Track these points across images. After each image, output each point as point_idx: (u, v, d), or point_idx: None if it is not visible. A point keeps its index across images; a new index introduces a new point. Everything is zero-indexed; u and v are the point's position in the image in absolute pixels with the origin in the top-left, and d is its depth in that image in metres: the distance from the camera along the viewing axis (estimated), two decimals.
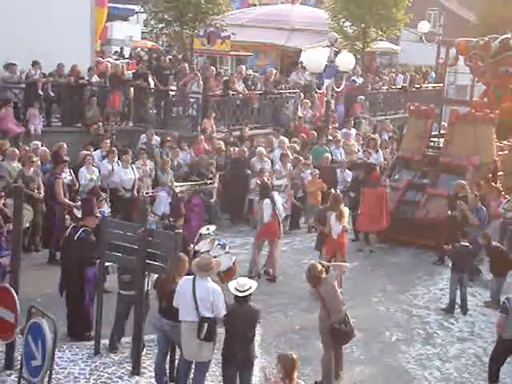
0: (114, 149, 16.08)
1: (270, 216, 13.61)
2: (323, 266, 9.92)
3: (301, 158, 18.14)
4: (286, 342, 11.09)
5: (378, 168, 18.23)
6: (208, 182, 16.00)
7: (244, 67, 24.02)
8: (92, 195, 11.84)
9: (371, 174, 16.61)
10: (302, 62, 25.21)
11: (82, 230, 10.38)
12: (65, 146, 15.24)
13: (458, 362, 11.02)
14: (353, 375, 10.26)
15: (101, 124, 17.84)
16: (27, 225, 12.89)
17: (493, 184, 16.50)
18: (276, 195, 14.08)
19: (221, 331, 8.70)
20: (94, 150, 16.14)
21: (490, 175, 16.79)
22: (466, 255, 12.99)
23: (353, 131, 22.12)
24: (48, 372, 8.13)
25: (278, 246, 14.07)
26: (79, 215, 11.76)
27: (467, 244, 13.03)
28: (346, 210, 13.30)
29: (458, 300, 12.94)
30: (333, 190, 14.00)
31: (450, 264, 13.48)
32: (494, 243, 13.45)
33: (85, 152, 15.55)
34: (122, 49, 30.01)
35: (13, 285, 8.99)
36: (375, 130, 23.73)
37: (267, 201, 13.66)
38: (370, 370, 10.46)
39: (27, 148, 15.14)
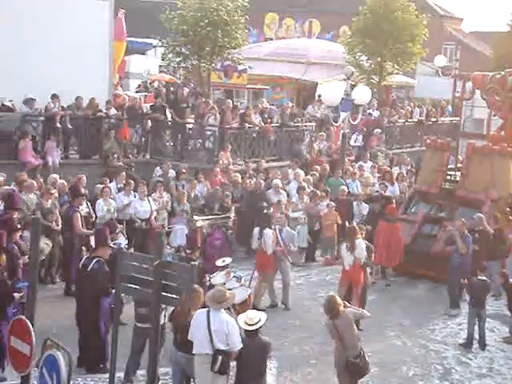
0: (131, 181, 16.18)
1: (258, 246, 13.93)
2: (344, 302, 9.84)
3: (317, 191, 18.16)
4: (302, 375, 10.99)
5: (393, 201, 18.21)
6: (230, 215, 16.02)
7: (265, 100, 24.22)
8: (107, 226, 11.88)
9: (387, 207, 16.57)
10: (319, 96, 25.35)
11: (95, 260, 10.42)
12: (84, 178, 15.38)
13: None
14: None
15: (116, 156, 17.96)
16: (43, 257, 12.94)
17: (510, 217, 16.38)
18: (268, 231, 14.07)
19: (233, 364, 8.65)
20: (110, 182, 16.25)
21: (508, 209, 16.67)
22: (484, 289, 12.86)
23: (368, 164, 22.14)
24: None
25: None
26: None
27: (485, 278, 12.90)
28: (359, 242, 13.18)
29: (477, 335, 12.79)
30: (347, 223, 14.00)
31: (468, 299, 13.34)
32: (511, 280, 13.31)
33: (101, 185, 15.64)
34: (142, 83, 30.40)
35: (28, 317, 8.99)
36: (391, 162, 23.72)
37: (267, 231, 13.90)
38: None
39: (41, 180, 15.26)
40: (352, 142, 23.97)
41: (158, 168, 18.15)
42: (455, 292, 14.29)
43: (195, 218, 15.89)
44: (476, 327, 12.74)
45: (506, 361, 12.16)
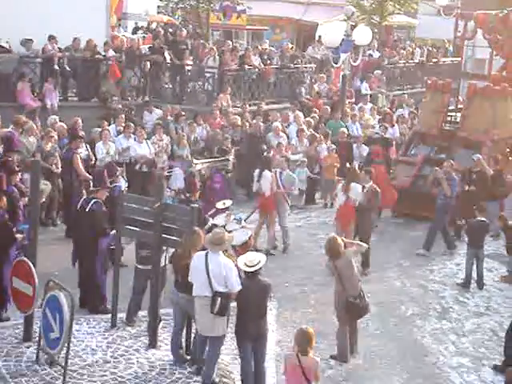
0: (131, 124, 16.10)
1: (257, 188, 13.96)
2: (343, 241, 9.91)
3: (316, 133, 18.10)
4: (302, 316, 11.12)
5: (393, 143, 18.19)
6: (229, 158, 15.96)
7: (267, 41, 23.97)
8: (107, 169, 11.87)
9: (388, 148, 16.54)
10: (319, 36, 25.04)
11: (93, 201, 10.45)
12: (80, 121, 15.30)
13: (473, 336, 11.02)
14: (368, 349, 10.28)
15: (117, 98, 17.83)
16: (43, 199, 12.95)
17: (510, 158, 16.36)
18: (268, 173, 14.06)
19: (234, 306, 8.75)
20: (109, 125, 16.16)
21: (508, 150, 16.64)
22: (482, 230, 12.94)
23: (368, 106, 22.00)
24: (66, 344, 8.24)
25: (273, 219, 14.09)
26: None
27: (483, 219, 12.96)
28: (354, 186, 13.14)
29: (475, 275, 12.91)
30: (348, 165, 13.96)
31: (467, 239, 13.43)
32: (510, 222, 13.35)
33: (99, 129, 15.56)
34: (136, 24, 29.89)
35: (30, 258, 9.08)
36: (392, 104, 23.58)
37: (266, 173, 13.85)
38: (385, 345, 10.48)
39: (39, 124, 15.17)
40: (363, 91, 23.72)
41: (146, 112, 17.97)
42: (434, 234, 14.29)
43: (194, 161, 15.88)
44: (474, 267, 12.85)
45: (504, 299, 12.30)
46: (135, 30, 27.66)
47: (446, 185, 14.13)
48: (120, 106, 17.69)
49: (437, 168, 14.62)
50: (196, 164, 15.72)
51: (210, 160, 16.00)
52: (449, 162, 14.63)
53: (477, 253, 12.82)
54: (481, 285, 12.82)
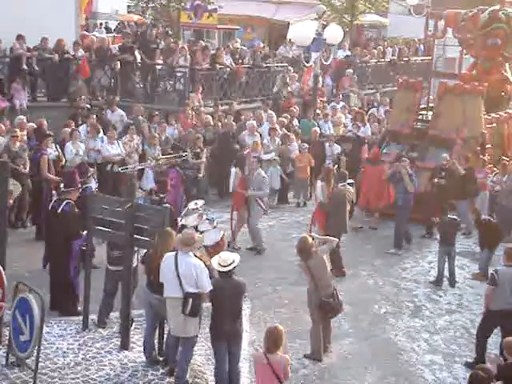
0: (98, 125, 15.94)
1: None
2: (313, 239, 9.91)
3: (288, 132, 18.09)
4: (275, 316, 11.10)
5: (365, 142, 18.25)
6: (184, 154, 15.78)
7: (238, 40, 23.91)
8: (79, 170, 11.75)
9: (372, 150, 16.61)
10: (290, 36, 25.05)
11: (65, 203, 10.34)
12: (45, 122, 15.17)
13: (445, 333, 11.08)
14: (341, 348, 10.30)
15: (84, 97, 17.63)
16: (12, 201, 12.75)
17: (481, 157, 16.49)
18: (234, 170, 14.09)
19: (208, 306, 8.69)
20: (77, 126, 15.99)
21: (478, 148, 16.77)
22: (453, 228, 13.02)
23: (340, 104, 22.05)
24: (36, 347, 8.13)
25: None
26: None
27: (455, 217, 13.04)
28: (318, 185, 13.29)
29: (446, 273, 12.99)
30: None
31: (438, 237, 13.51)
32: (483, 217, 13.48)
33: (68, 129, 15.39)
34: (106, 23, 29.71)
35: None
36: (363, 103, 23.66)
37: (233, 170, 14.05)
38: (358, 343, 10.50)
39: (7, 124, 14.98)
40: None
41: (108, 111, 17.57)
42: (401, 231, 14.37)
43: (159, 156, 15.72)
44: (446, 265, 12.92)
45: (475, 297, 12.37)
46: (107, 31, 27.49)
47: (408, 179, 14.15)
48: (88, 106, 17.48)
49: (398, 163, 14.64)
50: (152, 160, 15.59)
51: (167, 156, 15.83)
52: (405, 161, 14.64)
53: (449, 250, 12.90)
54: (453, 282, 12.90)
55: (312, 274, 9.67)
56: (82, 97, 17.63)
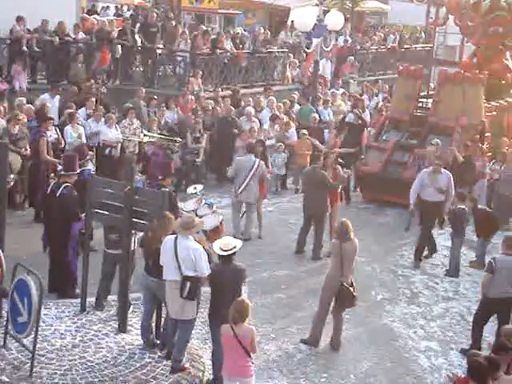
0: (101, 107, 15.92)
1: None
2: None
3: (286, 118, 18.08)
4: (272, 300, 11.14)
5: (365, 128, 18.26)
6: (177, 140, 15.76)
7: (240, 28, 23.90)
8: (78, 153, 11.74)
9: (361, 135, 16.65)
10: (291, 21, 24.97)
11: (64, 186, 10.34)
12: (48, 104, 15.09)
13: (442, 320, 11.13)
14: None
15: (93, 82, 17.61)
16: (12, 176, 12.72)
17: (479, 145, 16.50)
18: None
19: (207, 290, 8.72)
20: (78, 109, 15.95)
21: (478, 136, 16.77)
22: (463, 217, 12.89)
23: (340, 91, 22.01)
24: (34, 328, 8.15)
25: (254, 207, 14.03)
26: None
27: (464, 207, 12.97)
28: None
29: (444, 260, 13.00)
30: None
31: (450, 228, 13.39)
32: (479, 206, 13.47)
33: (69, 110, 15.37)
34: (108, 7, 29.58)
35: None
36: (363, 90, 23.63)
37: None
38: (355, 329, 10.53)
39: (5, 105, 14.94)
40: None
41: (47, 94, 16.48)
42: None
43: (145, 132, 15.69)
44: (447, 252, 12.93)
45: (472, 284, 12.42)
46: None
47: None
48: (104, 90, 17.41)
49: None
50: (145, 135, 15.57)
51: (159, 136, 15.81)
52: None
53: (462, 240, 12.86)
54: (456, 272, 12.89)
55: (342, 257, 9.65)
56: (92, 81, 17.54)
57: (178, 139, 15.81)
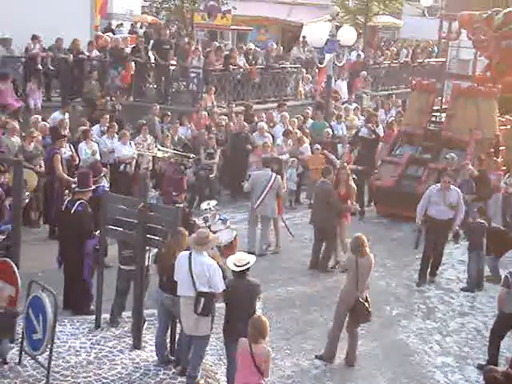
0: (114, 124, 16.01)
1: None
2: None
3: (299, 133, 18.09)
4: (287, 317, 11.09)
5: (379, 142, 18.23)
6: (191, 156, 15.80)
7: (252, 44, 24.01)
8: (92, 170, 11.79)
9: (375, 149, 16.60)
10: (304, 37, 25.05)
11: (78, 203, 10.38)
12: (66, 120, 15.20)
13: (458, 336, 11.04)
14: None
15: (109, 99, 17.73)
16: (27, 193, 12.80)
17: (494, 158, 16.44)
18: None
19: (221, 306, 8.70)
20: (92, 125, 16.06)
21: (492, 150, 16.71)
22: (482, 232, 12.78)
23: (352, 106, 22.03)
24: (49, 345, 8.16)
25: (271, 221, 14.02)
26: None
27: (483, 221, 12.90)
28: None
29: (459, 275, 12.89)
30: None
31: (467, 242, 13.27)
32: (493, 224, 13.31)
33: (83, 127, 15.47)
34: (122, 25, 29.78)
35: (13, 259, 8.98)
36: (377, 105, 23.62)
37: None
38: (370, 345, 10.47)
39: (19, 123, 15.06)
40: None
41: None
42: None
43: (159, 147, 15.70)
44: (463, 267, 12.83)
45: (488, 299, 12.32)
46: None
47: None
48: (119, 107, 17.53)
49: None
50: (158, 150, 15.58)
51: (174, 151, 15.83)
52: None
53: (478, 254, 12.75)
54: (480, 285, 12.79)
55: (358, 271, 9.62)
56: (107, 98, 17.67)
57: (192, 155, 15.85)
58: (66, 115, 16.19)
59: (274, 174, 13.74)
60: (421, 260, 13.11)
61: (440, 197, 12.76)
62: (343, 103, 22.48)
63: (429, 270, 13.05)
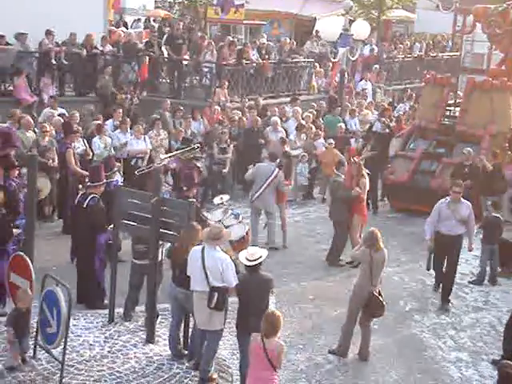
0: (127, 119, 16.04)
1: None
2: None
3: (313, 128, 18.05)
4: (300, 311, 11.10)
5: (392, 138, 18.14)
6: (195, 146, 15.71)
7: (265, 35, 23.97)
8: (105, 164, 11.82)
9: (389, 144, 16.54)
10: (317, 31, 24.99)
11: (90, 197, 10.41)
12: (76, 114, 15.25)
13: (472, 331, 11.00)
14: None
15: (129, 96, 17.77)
16: (43, 197, 12.88)
17: (508, 153, 16.34)
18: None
19: (234, 301, 8.71)
20: (106, 120, 16.10)
21: (507, 144, 16.61)
22: (497, 226, 12.74)
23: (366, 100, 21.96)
24: (63, 339, 8.20)
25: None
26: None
27: (498, 215, 12.81)
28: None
29: (473, 270, 12.83)
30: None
31: (482, 235, 13.16)
32: (504, 238, 13.07)
33: (97, 122, 15.50)
34: (139, 20, 29.89)
35: (27, 253, 9.03)
36: (393, 99, 23.54)
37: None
38: (384, 340, 10.44)
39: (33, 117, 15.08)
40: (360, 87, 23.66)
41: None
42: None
43: (161, 156, 15.57)
44: (476, 262, 12.77)
45: (502, 294, 12.28)
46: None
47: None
48: (136, 101, 17.54)
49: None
50: (163, 159, 15.53)
51: (177, 152, 15.77)
52: None
53: (492, 248, 12.70)
54: (494, 280, 12.72)
55: (372, 266, 9.60)
56: (127, 94, 17.70)
57: (196, 145, 15.78)
58: (63, 110, 16.16)
59: (277, 170, 13.63)
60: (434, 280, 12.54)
61: (450, 211, 11.68)
62: (356, 98, 22.39)
63: (440, 293, 12.02)
